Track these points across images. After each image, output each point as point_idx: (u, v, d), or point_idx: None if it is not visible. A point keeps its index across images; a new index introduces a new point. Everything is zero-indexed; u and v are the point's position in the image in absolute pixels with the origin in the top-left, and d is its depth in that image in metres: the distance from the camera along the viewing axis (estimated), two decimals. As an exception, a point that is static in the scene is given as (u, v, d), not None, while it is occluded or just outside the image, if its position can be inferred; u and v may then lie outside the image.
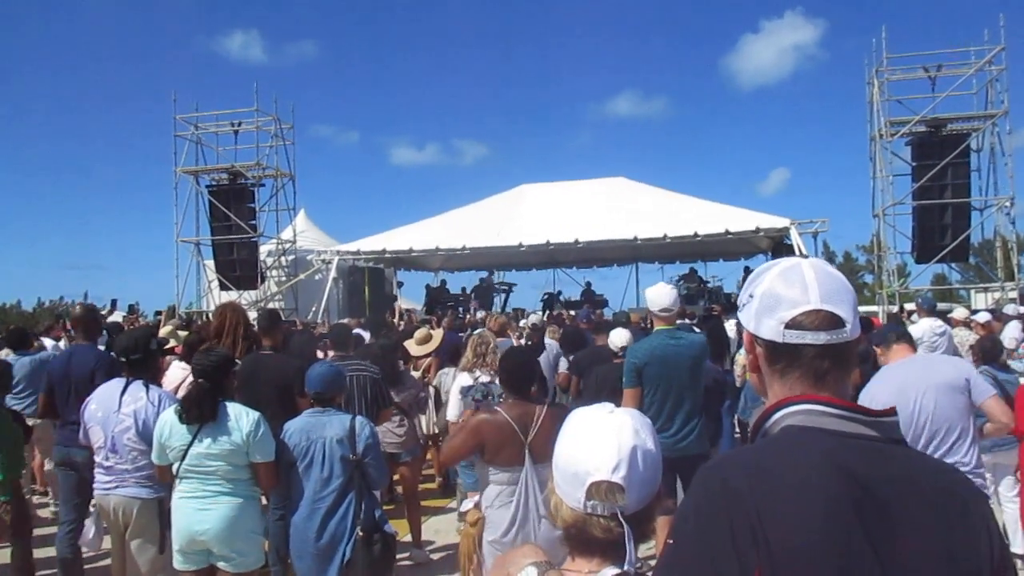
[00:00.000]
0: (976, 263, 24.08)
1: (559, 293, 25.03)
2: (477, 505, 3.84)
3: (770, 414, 1.35)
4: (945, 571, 1.20)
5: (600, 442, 1.48)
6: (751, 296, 1.41)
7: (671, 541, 1.27)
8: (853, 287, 1.41)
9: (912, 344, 4.23)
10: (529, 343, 8.95)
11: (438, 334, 8.43)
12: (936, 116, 18.28)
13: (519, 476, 3.64)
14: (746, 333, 1.44)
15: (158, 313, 17.12)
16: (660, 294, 5.12)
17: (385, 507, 5.03)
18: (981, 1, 63.75)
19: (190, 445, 3.95)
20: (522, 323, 12.23)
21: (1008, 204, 18.10)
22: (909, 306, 15.71)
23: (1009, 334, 10.07)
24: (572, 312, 17.59)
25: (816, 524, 1.18)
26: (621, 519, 1.44)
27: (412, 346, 8.13)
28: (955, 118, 18.53)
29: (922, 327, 8.68)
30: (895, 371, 3.96)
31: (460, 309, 20.61)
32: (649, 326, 7.37)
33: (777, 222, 18.16)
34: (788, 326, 1.33)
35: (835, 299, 1.34)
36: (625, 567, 1.44)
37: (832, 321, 1.32)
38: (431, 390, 7.81)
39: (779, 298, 1.35)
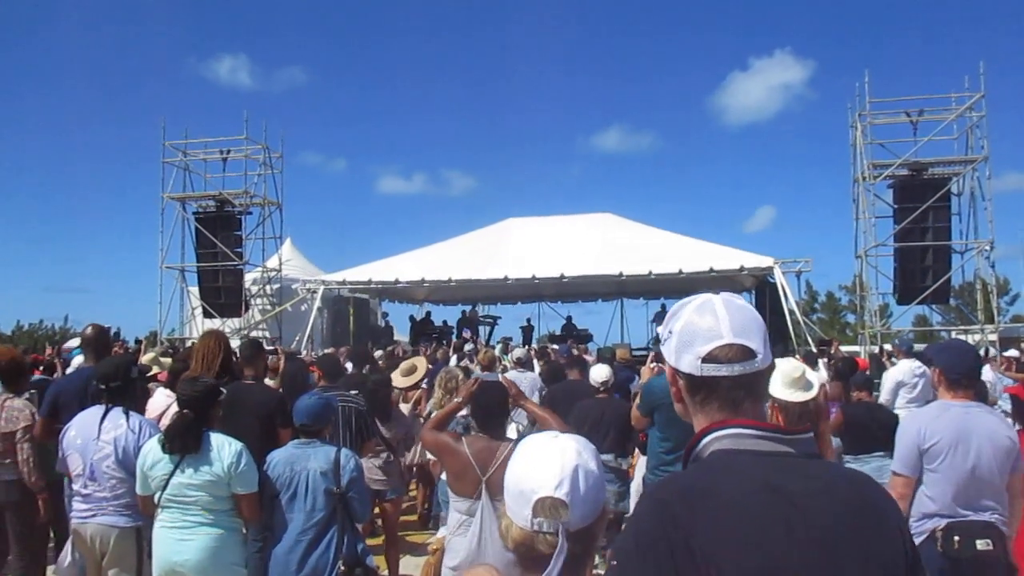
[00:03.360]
0: (957, 305, 24.32)
1: (529, 321, 25.36)
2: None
3: (699, 440, 1.45)
4: (866, 572, 1.31)
5: (544, 462, 1.56)
6: (671, 332, 1.51)
7: (615, 562, 1.34)
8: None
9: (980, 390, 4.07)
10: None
11: (422, 365, 8.40)
12: (918, 160, 18.56)
13: (476, 508, 3.68)
14: (668, 367, 1.53)
15: (138, 341, 16.97)
16: None
17: (369, 540, 4.99)
18: (962, 49, 65.13)
19: (171, 475, 3.92)
20: (507, 357, 12.24)
21: (988, 248, 18.35)
22: (888, 347, 15.85)
23: (986, 377, 10.24)
24: (555, 347, 17.62)
25: (750, 539, 1.28)
26: (560, 535, 1.49)
27: (397, 377, 8.12)
28: (936, 162, 18.83)
29: (901, 369, 8.82)
30: (953, 414, 3.73)
31: (444, 342, 20.59)
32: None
33: (761, 261, 18.33)
34: (704, 360, 1.44)
35: (746, 332, 1.44)
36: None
37: (744, 353, 1.43)
38: (421, 422, 7.78)
39: (695, 334, 1.46)
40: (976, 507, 3.60)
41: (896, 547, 1.36)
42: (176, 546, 3.91)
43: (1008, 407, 8.90)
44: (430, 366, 9.44)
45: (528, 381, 8.85)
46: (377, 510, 6.60)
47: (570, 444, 1.60)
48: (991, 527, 3.57)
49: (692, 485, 1.37)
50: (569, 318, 24.59)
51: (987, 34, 64.95)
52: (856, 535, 1.32)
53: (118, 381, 4.40)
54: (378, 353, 13.43)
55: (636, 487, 6.78)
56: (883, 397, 8.39)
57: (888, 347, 15.29)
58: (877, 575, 1.31)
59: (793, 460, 1.38)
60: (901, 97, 19.55)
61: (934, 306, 20.03)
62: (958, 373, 3.78)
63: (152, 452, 4.00)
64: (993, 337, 17.42)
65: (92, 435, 4.29)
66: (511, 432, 5.76)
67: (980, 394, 4.29)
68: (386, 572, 6.21)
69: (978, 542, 3.51)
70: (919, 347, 9.51)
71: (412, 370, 8.19)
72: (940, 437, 3.65)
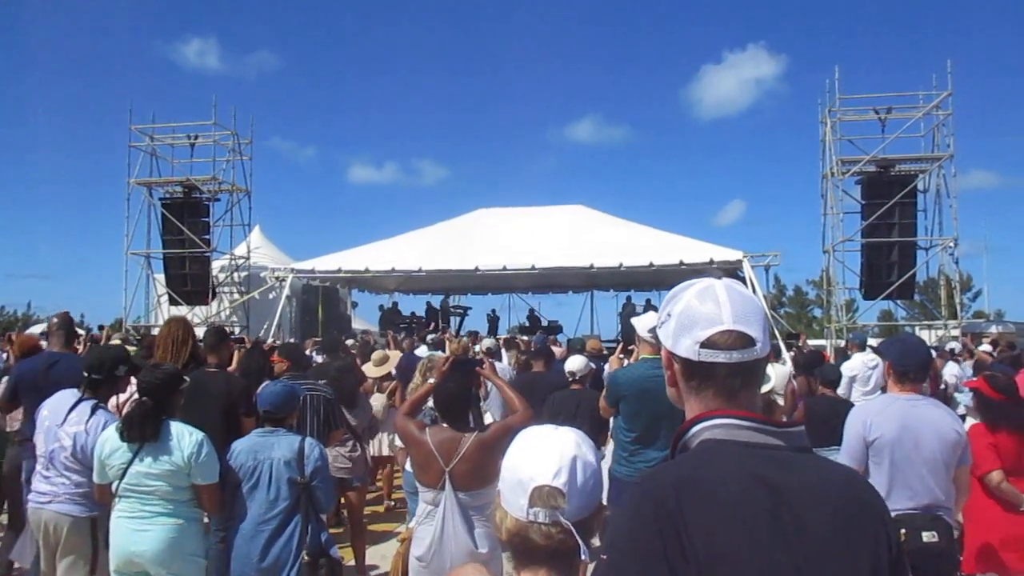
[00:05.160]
0: (921, 301, 24.70)
1: (494, 312, 25.41)
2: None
3: (688, 428, 1.43)
4: (850, 567, 1.31)
5: (543, 451, 1.54)
6: (669, 315, 1.49)
7: (604, 556, 1.32)
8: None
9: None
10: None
11: (394, 355, 8.38)
12: (885, 157, 18.81)
13: (440, 498, 3.67)
14: (664, 350, 1.51)
15: (101, 327, 16.69)
16: (653, 319, 4.99)
17: (332, 530, 4.95)
18: (930, 47, 66.09)
19: (130, 464, 3.85)
20: (476, 347, 12.20)
21: (952, 244, 18.65)
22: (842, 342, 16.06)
23: (949, 371, 10.40)
24: (526, 337, 17.64)
25: (737, 531, 1.27)
26: (563, 522, 1.47)
27: (369, 368, 8.07)
28: (903, 159, 19.08)
29: (853, 364, 8.96)
30: (899, 407, 3.78)
31: (414, 334, 20.53)
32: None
33: (730, 255, 18.46)
34: (703, 345, 1.42)
35: (747, 319, 1.42)
36: (582, 557, 1.47)
37: (744, 340, 1.41)
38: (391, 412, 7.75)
39: (694, 319, 1.44)
40: (922, 500, 3.63)
41: (881, 544, 1.35)
42: (134, 536, 3.84)
43: (968, 400, 9.04)
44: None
45: (498, 370, 8.83)
46: (342, 499, 6.56)
47: (569, 435, 1.58)
48: (937, 520, 3.61)
49: (682, 476, 1.35)
50: (532, 310, 24.73)
51: (955, 33, 66.00)
52: (843, 530, 1.31)
53: (100, 375, 4.36)
54: (349, 342, 13.33)
55: (604, 478, 6.79)
56: (839, 390, 8.51)
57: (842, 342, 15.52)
58: (863, 569, 1.31)
59: (783, 453, 1.36)
60: (870, 94, 19.80)
61: (899, 301, 20.31)
62: (906, 366, 3.82)
63: (110, 440, 3.92)
64: (956, 332, 17.71)
65: (58, 421, 4.25)
66: (487, 420, 5.75)
67: (937, 390, 4.31)
68: (351, 562, 6.17)
69: (924, 534, 3.54)
70: (873, 342, 9.65)
71: (384, 360, 8.15)
72: (885, 430, 3.69)
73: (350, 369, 6.98)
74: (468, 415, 3.93)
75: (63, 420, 4.23)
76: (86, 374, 4.38)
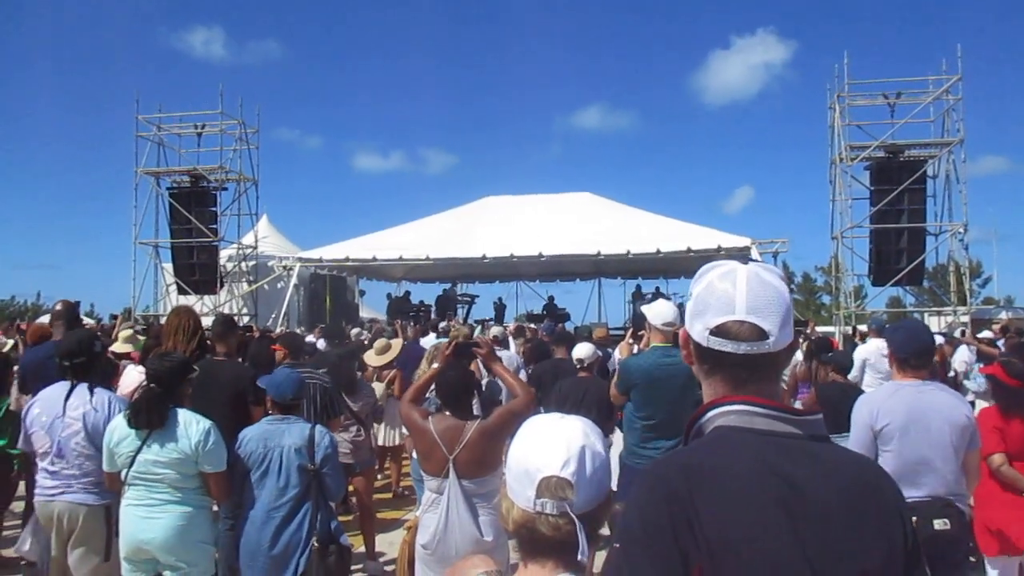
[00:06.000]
0: (930, 287, 24.57)
1: (501, 300, 25.34)
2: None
3: (702, 414, 1.41)
4: (865, 557, 1.28)
5: (550, 441, 1.52)
6: (691, 295, 1.47)
7: (617, 544, 1.30)
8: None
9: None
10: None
11: (397, 344, 8.38)
12: (895, 142, 18.68)
13: (444, 486, 3.67)
14: (683, 329, 1.49)
15: (113, 316, 16.78)
16: (664, 307, 5.06)
17: (341, 518, 4.97)
18: (939, 33, 65.58)
19: (138, 451, 3.86)
20: (483, 335, 12.20)
21: (961, 230, 18.56)
22: (863, 327, 16.00)
23: (959, 357, 10.36)
24: (533, 325, 17.63)
25: (748, 521, 1.25)
26: (572, 514, 1.45)
27: (371, 356, 8.07)
28: (913, 144, 18.95)
29: (869, 348, 8.94)
30: (905, 394, 3.75)
31: (420, 322, 20.55)
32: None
33: (738, 241, 18.41)
34: (713, 332, 1.39)
35: (761, 311, 1.38)
36: (579, 557, 1.46)
37: (755, 332, 1.37)
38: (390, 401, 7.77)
39: (708, 304, 1.41)
40: (933, 487, 3.59)
41: (896, 534, 1.32)
42: (143, 524, 3.85)
43: (976, 385, 9.05)
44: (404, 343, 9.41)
45: (505, 359, 8.82)
46: (350, 487, 6.59)
47: (577, 424, 1.55)
48: (949, 506, 3.57)
49: (693, 463, 1.33)
50: (551, 298, 24.60)
51: (964, 18, 65.47)
52: (856, 520, 1.29)
53: (82, 356, 4.31)
54: (355, 331, 13.34)
55: (614, 466, 6.78)
56: (852, 375, 8.49)
57: (862, 328, 15.47)
58: (875, 561, 1.28)
59: (798, 442, 1.34)
60: (879, 79, 19.67)
61: (908, 288, 20.21)
62: (907, 353, 3.78)
63: (119, 428, 3.93)
64: (965, 319, 17.63)
65: (57, 412, 4.21)
66: None
67: (945, 377, 4.25)
68: (359, 549, 6.20)
69: (935, 522, 3.50)
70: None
71: (386, 349, 8.15)
72: (893, 418, 3.65)
73: (350, 355, 6.99)
74: (471, 403, 3.92)
75: (63, 410, 4.20)
76: (67, 363, 4.30)
